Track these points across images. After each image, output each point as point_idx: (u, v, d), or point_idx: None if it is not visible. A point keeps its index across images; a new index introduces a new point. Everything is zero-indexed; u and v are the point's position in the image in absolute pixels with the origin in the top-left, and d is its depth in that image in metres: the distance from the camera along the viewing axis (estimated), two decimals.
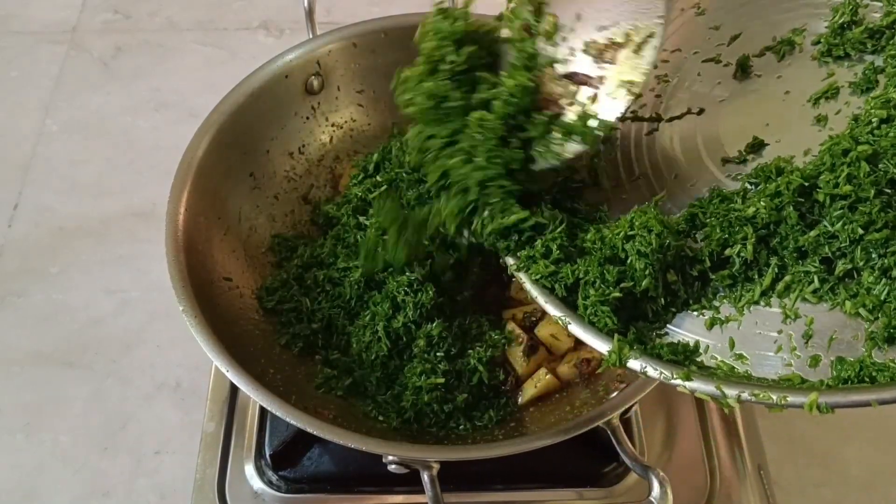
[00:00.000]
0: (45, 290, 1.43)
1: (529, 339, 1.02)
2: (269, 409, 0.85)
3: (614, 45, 0.77)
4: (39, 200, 1.55)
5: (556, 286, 0.78)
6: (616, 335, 0.74)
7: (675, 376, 0.70)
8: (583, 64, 0.80)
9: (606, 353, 0.73)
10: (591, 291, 0.76)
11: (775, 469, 1.15)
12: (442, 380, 0.95)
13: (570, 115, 0.80)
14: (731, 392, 0.66)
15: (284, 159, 1.16)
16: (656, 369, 0.71)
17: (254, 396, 0.85)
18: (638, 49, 0.76)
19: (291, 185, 1.16)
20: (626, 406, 0.88)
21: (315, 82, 1.15)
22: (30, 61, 1.77)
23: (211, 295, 0.98)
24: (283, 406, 0.84)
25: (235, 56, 1.78)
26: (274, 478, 1.02)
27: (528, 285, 0.80)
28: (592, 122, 0.78)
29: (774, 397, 0.64)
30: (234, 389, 1.09)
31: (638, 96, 0.79)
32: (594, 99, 0.79)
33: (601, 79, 0.79)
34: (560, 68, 0.81)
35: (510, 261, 0.83)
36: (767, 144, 0.79)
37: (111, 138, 1.65)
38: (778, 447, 1.26)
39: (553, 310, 0.78)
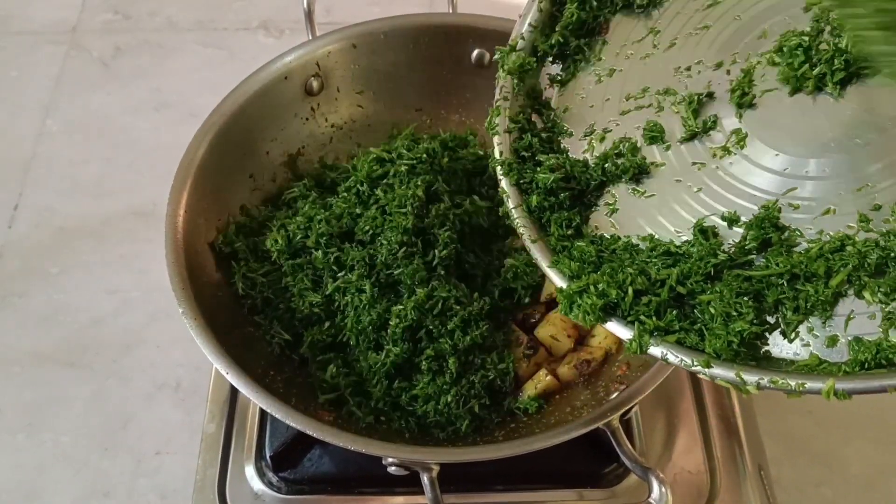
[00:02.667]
0: (45, 290, 1.43)
1: (529, 340, 1.02)
2: (268, 411, 0.85)
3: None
4: (40, 201, 1.55)
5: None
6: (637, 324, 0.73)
7: (695, 363, 0.70)
8: None
9: (627, 342, 0.73)
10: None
11: (775, 469, 1.15)
12: (448, 385, 0.95)
13: None
14: (750, 378, 0.67)
15: (284, 161, 1.16)
16: (677, 356, 0.71)
17: (254, 399, 0.85)
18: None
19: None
20: (627, 407, 0.88)
21: (315, 83, 1.15)
22: (29, 61, 1.77)
23: (211, 296, 0.98)
24: (283, 408, 0.85)
25: (235, 56, 1.78)
26: (274, 479, 1.02)
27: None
28: None
29: (793, 384, 0.64)
30: (234, 390, 1.09)
31: None
32: None
33: None
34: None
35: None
36: None
37: (111, 138, 1.64)
38: (778, 447, 1.26)
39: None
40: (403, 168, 1.07)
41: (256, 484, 1.02)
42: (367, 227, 1.03)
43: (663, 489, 0.82)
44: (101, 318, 1.40)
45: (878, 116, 0.73)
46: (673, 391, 1.08)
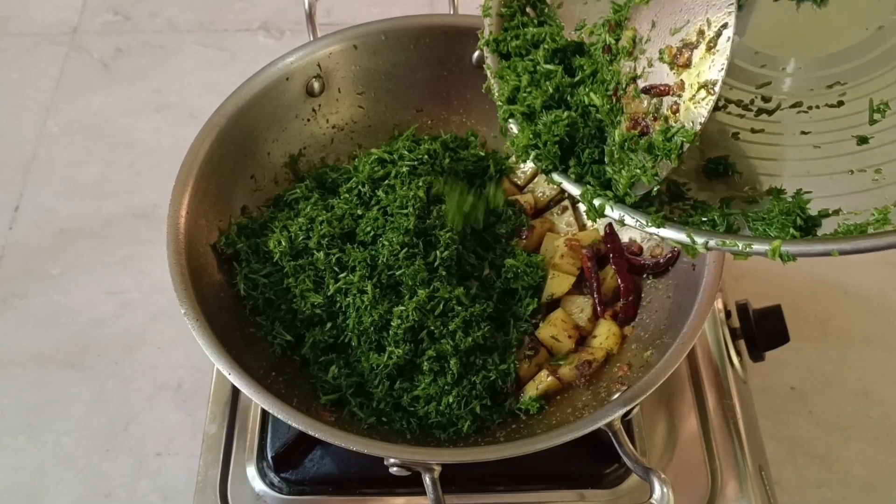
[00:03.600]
0: (46, 291, 1.44)
1: (530, 340, 1.02)
2: (270, 411, 0.85)
3: (688, 47, 0.74)
4: (40, 202, 1.55)
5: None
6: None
7: (649, 224, 0.71)
8: (661, 74, 0.76)
9: (588, 202, 0.75)
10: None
11: (776, 469, 1.16)
12: (449, 385, 0.95)
13: (656, 133, 0.75)
14: (699, 239, 0.69)
15: (286, 162, 1.16)
16: (633, 218, 0.72)
17: (255, 399, 0.85)
18: (712, 45, 0.73)
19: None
20: (628, 408, 0.88)
21: (316, 84, 1.15)
22: (30, 63, 1.78)
23: (213, 298, 0.98)
24: (285, 409, 0.85)
25: (236, 57, 1.78)
26: (276, 479, 1.02)
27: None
28: (676, 138, 0.73)
29: (740, 245, 0.67)
30: (235, 391, 1.09)
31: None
32: (676, 110, 0.75)
33: (680, 86, 0.75)
34: (641, 83, 0.77)
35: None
36: None
37: (112, 139, 1.65)
38: (778, 447, 1.26)
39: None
40: (405, 169, 1.07)
41: (258, 485, 1.02)
42: (368, 228, 1.03)
43: (665, 490, 0.82)
44: (102, 320, 1.40)
45: (854, 24, 0.79)
46: (674, 392, 1.08)
